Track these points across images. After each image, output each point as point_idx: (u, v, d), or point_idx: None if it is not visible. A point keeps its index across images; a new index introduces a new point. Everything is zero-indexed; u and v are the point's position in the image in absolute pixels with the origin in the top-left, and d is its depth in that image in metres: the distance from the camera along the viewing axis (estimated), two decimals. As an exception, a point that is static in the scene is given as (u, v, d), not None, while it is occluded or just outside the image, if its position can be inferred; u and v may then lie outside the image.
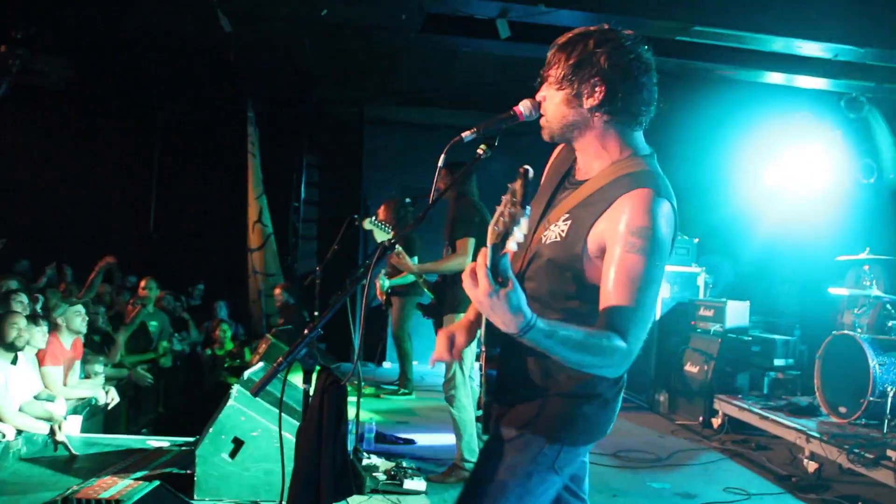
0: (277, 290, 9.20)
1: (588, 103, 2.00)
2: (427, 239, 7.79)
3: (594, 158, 2.08)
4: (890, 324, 5.95)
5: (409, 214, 7.06)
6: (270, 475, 4.30)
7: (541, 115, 2.13)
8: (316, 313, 6.95)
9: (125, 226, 10.51)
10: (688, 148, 10.92)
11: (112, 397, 5.95)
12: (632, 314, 1.82)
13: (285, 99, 10.46)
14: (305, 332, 2.12)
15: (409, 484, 4.71)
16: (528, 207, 1.59)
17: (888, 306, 6.22)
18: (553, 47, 2.06)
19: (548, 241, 2.02)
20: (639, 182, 1.92)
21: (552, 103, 2.06)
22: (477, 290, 1.64)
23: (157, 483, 2.67)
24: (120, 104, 10.41)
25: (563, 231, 1.99)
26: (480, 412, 2.16)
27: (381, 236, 5.33)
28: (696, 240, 8.34)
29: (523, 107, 2.36)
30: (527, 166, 1.66)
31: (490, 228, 1.67)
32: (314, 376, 2.16)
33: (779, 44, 6.75)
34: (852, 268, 6.85)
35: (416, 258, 7.04)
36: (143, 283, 7.70)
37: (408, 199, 7.10)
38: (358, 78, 10.07)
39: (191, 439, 5.38)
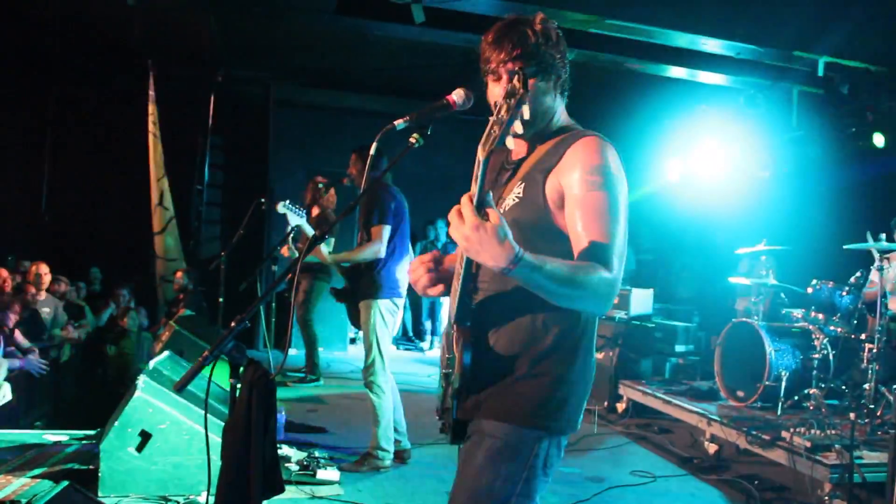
0: (178, 275, 8.93)
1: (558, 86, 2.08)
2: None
3: (538, 138, 2.10)
4: (783, 311, 6.24)
5: (324, 196, 6.99)
6: (179, 469, 4.14)
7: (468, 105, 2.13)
8: (221, 299, 6.77)
9: (15, 207, 9.91)
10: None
11: (4, 394, 5.60)
12: (609, 246, 1.85)
13: (189, 77, 10.01)
14: (233, 324, 2.04)
15: (322, 474, 4.64)
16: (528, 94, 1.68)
17: (782, 294, 6.53)
18: (500, 37, 2.04)
19: (507, 208, 2.00)
20: (584, 132, 2.01)
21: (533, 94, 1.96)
22: (463, 226, 1.65)
23: (65, 483, 2.52)
24: (8, 75, 9.70)
25: (519, 193, 2.00)
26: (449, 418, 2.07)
27: (295, 220, 5.21)
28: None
29: (456, 96, 2.34)
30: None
31: (479, 149, 1.70)
32: (241, 370, 2.08)
33: (683, 40, 6.99)
34: (747, 257, 7.13)
35: (331, 240, 6.96)
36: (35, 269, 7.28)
37: (321, 184, 6.98)
38: (265, 57, 9.79)
39: (91, 432, 5.13)
